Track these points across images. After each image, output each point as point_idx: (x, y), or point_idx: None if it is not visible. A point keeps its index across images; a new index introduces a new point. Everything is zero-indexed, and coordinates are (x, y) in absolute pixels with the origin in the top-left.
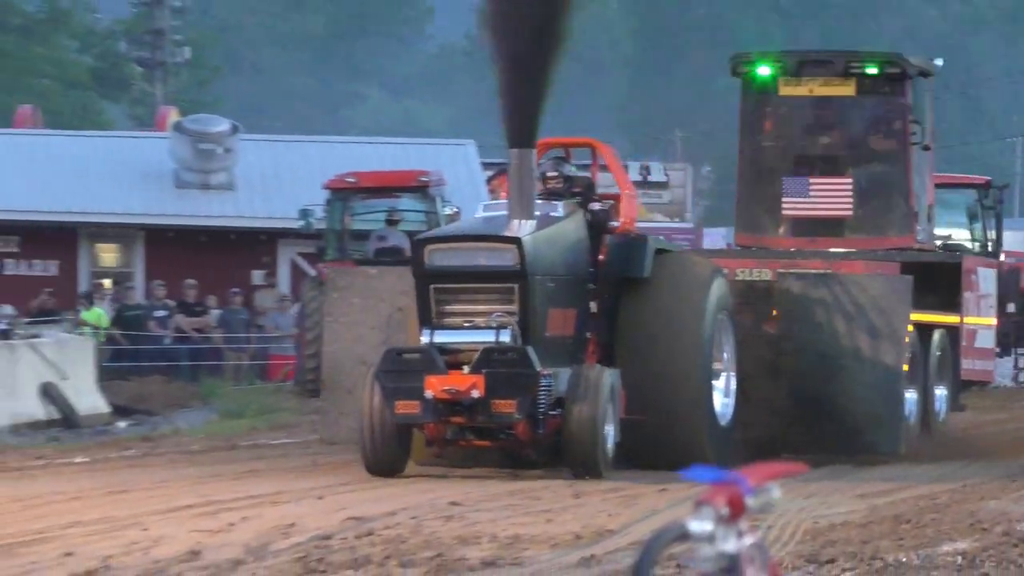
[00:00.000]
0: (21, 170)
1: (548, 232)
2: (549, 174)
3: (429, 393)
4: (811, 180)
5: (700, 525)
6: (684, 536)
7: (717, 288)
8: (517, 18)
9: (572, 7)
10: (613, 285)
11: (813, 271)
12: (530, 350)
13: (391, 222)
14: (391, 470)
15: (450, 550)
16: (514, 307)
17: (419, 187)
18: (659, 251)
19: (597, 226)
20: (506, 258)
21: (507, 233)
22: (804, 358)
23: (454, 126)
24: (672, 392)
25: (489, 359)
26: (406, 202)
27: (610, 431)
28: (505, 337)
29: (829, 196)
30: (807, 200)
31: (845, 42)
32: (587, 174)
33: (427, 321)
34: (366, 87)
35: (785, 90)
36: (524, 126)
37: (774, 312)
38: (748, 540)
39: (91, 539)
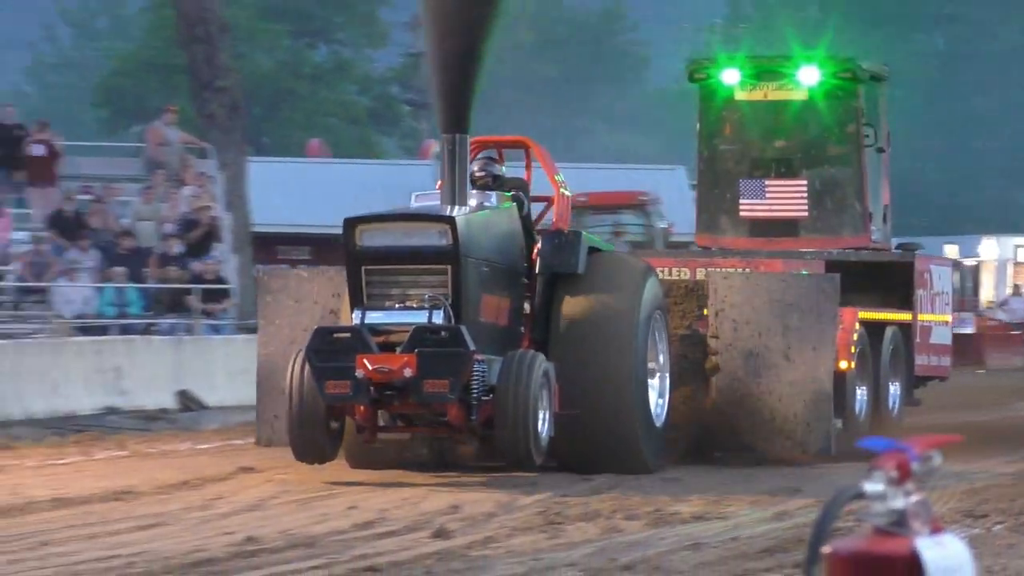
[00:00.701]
0: (311, 192)
1: (482, 216)
2: (477, 173)
3: (360, 372)
4: (767, 182)
5: (873, 486)
6: (860, 495)
7: (651, 287)
8: (452, 2)
9: None
10: (547, 282)
11: (740, 270)
12: (463, 329)
13: (616, 234)
14: (320, 455)
15: (666, 505)
16: (447, 288)
17: (639, 205)
18: (593, 250)
19: (527, 222)
20: (439, 237)
21: (442, 214)
22: (731, 358)
23: (665, 154)
24: (606, 392)
25: (421, 338)
26: (628, 218)
27: (544, 416)
28: (438, 318)
29: (785, 198)
30: (763, 202)
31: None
32: (520, 175)
33: (358, 303)
34: (593, 123)
35: (741, 95)
36: (457, 112)
37: (705, 312)
38: (914, 498)
39: (371, 495)
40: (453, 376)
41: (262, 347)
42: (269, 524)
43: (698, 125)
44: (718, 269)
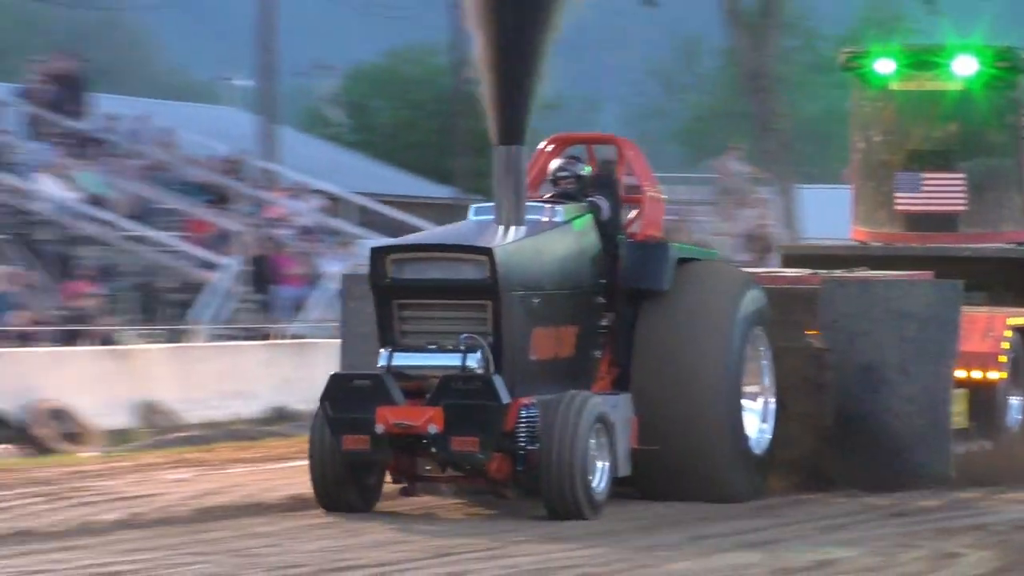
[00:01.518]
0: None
1: (537, 240)
2: (559, 173)
3: (380, 427)
4: (923, 175)
5: None
6: None
7: (750, 301)
8: (505, 5)
9: None
10: (629, 299)
11: (854, 276)
12: (497, 379)
13: None
14: (347, 508)
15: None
16: (487, 327)
17: None
18: (685, 260)
19: (607, 232)
20: (476, 271)
21: (482, 243)
22: (845, 372)
23: None
24: (693, 419)
25: (449, 388)
26: None
27: (601, 467)
28: (473, 362)
29: (942, 191)
30: (920, 195)
31: None
32: (611, 174)
33: (388, 342)
34: None
35: (895, 84)
36: (512, 122)
37: (817, 322)
38: None
39: None
40: (484, 433)
41: (344, 356)
42: None
43: (852, 115)
44: (832, 276)
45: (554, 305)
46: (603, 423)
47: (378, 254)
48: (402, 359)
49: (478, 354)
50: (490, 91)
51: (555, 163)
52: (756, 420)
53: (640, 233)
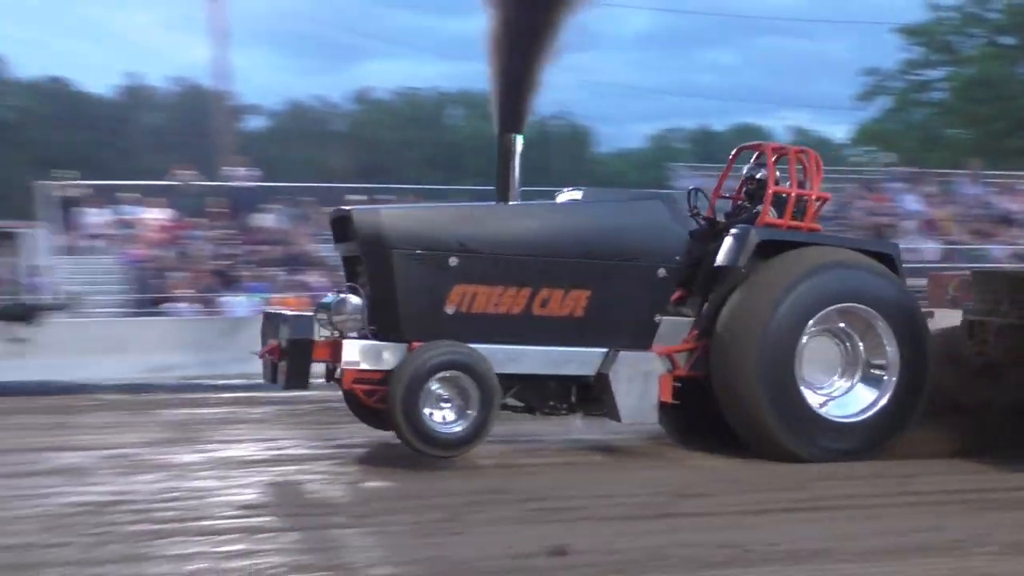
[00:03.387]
0: None
1: (483, 211)
2: (745, 175)
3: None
4: None
5: None
6: None
7: (832, 279)
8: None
9: None
10: (715, 276)
11: None
12: (270, 310)
13: None
14: (376, 424)
15: None
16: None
17: None
18: (789, 245)
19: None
20: (353, 233)
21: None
22: None
23: None
24: (729, 379)
25: (275, 323)
26: None
27: (448, 408)
28: (329, 300)
29: None
30: None
31: None
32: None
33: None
34: None
35: None
36: (513, 112)
37: None
38: None
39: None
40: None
41: None
42: None
43: None
44: None
45: (504, 267)
46: (461, 369)
47: (331, 220)
48: (324, 300)
49: (340, 296)
50: (495, 82)
51: (748, 168)
52: (865, 391)
53: (759, 221)
